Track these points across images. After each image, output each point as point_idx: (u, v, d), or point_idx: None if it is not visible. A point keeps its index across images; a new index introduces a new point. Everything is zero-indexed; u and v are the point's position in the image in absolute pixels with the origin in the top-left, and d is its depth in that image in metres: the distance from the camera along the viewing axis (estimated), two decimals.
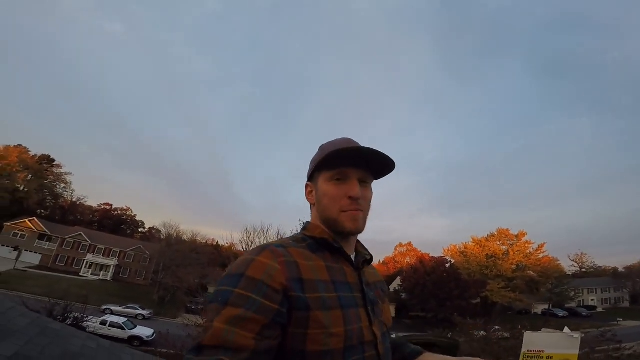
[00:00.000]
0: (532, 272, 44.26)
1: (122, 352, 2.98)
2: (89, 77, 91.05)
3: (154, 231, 57.19)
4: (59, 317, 12.35)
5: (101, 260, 42.21)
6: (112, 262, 42.20)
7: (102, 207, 64.77)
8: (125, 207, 67.30)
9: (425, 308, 37.08)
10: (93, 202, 65.59)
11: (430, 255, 46.63)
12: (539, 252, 44.60)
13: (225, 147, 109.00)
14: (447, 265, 42.10)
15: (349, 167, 0.81)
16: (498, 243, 46.01)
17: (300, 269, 0.71)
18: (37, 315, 2.95)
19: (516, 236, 45.36)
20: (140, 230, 68.40)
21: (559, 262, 50.96)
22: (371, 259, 0.92)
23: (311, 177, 0.89)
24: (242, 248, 15.57)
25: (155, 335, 18.78)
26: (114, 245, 44.44)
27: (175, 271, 34.90)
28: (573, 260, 64.39)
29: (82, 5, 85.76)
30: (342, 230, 0.81)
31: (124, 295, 33.20)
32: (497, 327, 12.48)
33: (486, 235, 47.32)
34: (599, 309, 46.78)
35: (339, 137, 0.90)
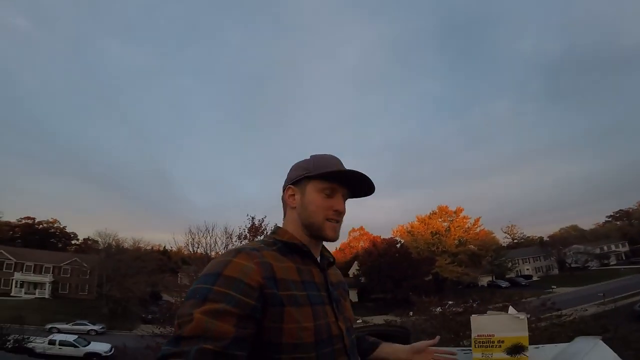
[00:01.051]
0: (472, 246, 47.25)
1: None
2: None
3: (89, 242, 52.37)
4: None
5: (32, 277, 37.99)
6: (47, 278, 38.22)
7: (23, 221, 57.31)
8: (51, 219, 60.03)
9: (383, 289, 38.15)
10: (11, 217, 57.40)
11: (381, 237, 47.90)
12: (475, 226, 47.77)
13: (165, 145, 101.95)
14: (398, 245, 43.31)
15: (340, 184, 0.92)
16: (440, 220, 48.34)
17: (274, 269, 0.78)
18: None
19: (455, 212, 48.09)
20: (73, 242, 62.00)
21: (494, 235, 54.91)
22: (334, 261, 1.02)
23: (297, 182, 0.95)
24: (190, 250, 14.77)
25: (113, 350, 17.96)
26: (45, 261, 39.88)
27: (121, 282, 32.91)
28: (505, 232, 68.97)
29: None
30: (323, 236, 0.92)
31: (68, 311, 30.58)
32: (450, 302, 13.34)
33: (429, 213, 49.41)
34: (535, 278, 50.24)
35: (327, 153, 0.98)
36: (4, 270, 37.99)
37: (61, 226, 60.95)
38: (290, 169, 0.99)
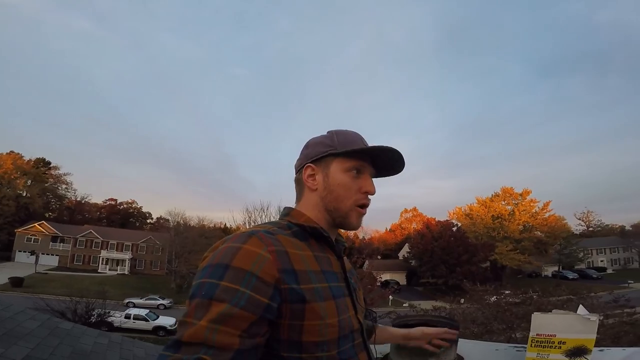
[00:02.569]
0: (539, 233, 43.68)
1: (134, 345, 3.01)
2: (71, 76, 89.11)
3: (162, 221, 57.98)
4: (83, 315, 12.71)
5: (115, 255, 43.24)
6: (127, 255, 43.26)
7: (108, 202, 65.63)
8: (130, 200, 68.22)
9: (435, 274, 37.06)
10: (97, 199, 66.44)
11: (436, 219, 46.44)
12: (544, 211, 43.85)
13: (225, 130, 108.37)
14: (454, 229, 41.44)
15: (368, 162, 0.82)
16: (503, 203, 45.07)
17: (290, 258, 0.68)
18: (48, 317, 2.97)
19: (520, 194, 44.31)
20: (148, 221, 69.41)
21: (565, 222, 49.89)
22: (347, 248, 0.91)
23: (317, 160, 0.83)
24: (247, 228, 15.66)
25: (177, 324, 19.67)
26: (125, 239, 45.39)
27: (187, 258, 35.49)
28: (579, 219, 63.12)
29: (42, 6, 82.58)
30: (346, 224, 0.81)
31: (143, 286, 33.97)
32: (507, 292, 12.52)
33: (490, 195, 46.28)
34: (609, 270, 46.27)
35: (349, 130, 0.87)
36: (92, 248, 43.81)
37: (138, 206, 69.04)
38: (306, 146, 0.87)
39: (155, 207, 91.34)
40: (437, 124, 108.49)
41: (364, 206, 0.82)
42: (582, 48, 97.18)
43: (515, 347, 1.73)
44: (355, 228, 0.83)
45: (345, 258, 0.91)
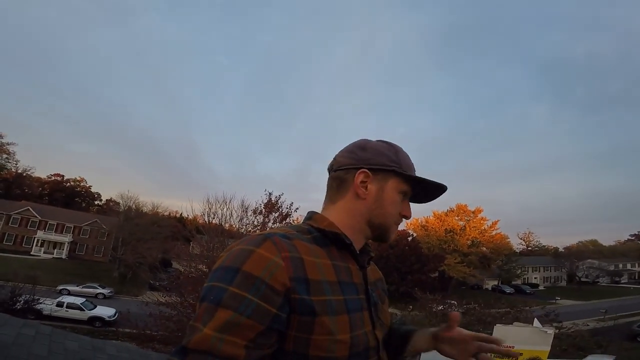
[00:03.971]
0: (485, 249, 46.49)
1: (66, 338, 2.69)
2: (32, 42, 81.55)
3: (111, 204, 54.29)
4: (6, 302, 11.45)
5: (54, 237, 39.41)
6: (67, 238, 39.67)
7: (52, 178, 60.05)
8: (78, 178, 62.86)
9: (387, 280, 37.30)
10: (42, 173, 60.27)
11: None
12: (492, 229, 46.77)
13: (196, 116, 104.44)
14: (409, 238, 42.90)
15: (413, 190, 0.83)
16: (456, 218, 47.48)
17: (305, 266, 0.65)
18: None
19: (473, 212, 47.06)
20: (96, 203, 64.53)
21: (509, 240, 53.49)
22: (373, 257, 0.88)
23: (376, 170, 0.79)
24: (205, 220, 14.88)
25: (117, 315, 18.23)
26: (67, 221, 41.62)
27: (135, 246, 33.52)
28: (521, 239, 68.89)
29: None
30: (386, 239, 0.83)
31: (82, 273, 31.65)
32: (453, 302, 13.32)
33: (446, 210, 48.58)
34: (541, 287, 50.64)
35: (397, 145, 0.85)
36: (28, 227, 39.41)
37: (87, 185, 63.75)
38: (362, 147, 0.81)
39: (106, 189, 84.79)
40: (403, 138, 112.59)
41: (398, 226, 0.84)
42: (542, 81, 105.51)
43: None
44: (390, 241, 0.87)
45: (373, 268, 0.89)
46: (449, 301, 13.14)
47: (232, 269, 0.60)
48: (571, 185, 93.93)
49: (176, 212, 50.31)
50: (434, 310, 11.37)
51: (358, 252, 0.79)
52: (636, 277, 56.47)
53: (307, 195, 70.13)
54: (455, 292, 32.62)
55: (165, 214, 47.05)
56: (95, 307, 19.20)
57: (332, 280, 0.67)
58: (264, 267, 0.59)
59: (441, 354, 0.89)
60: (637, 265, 59.23)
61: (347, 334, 0.64)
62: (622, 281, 54.17)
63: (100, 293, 25.54)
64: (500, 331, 1.23)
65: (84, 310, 18.18)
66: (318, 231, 0.74)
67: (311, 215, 0.80)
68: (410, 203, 0.86)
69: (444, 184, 0.82)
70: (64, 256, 38.45)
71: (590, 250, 65.91)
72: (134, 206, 41.08)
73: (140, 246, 33.25)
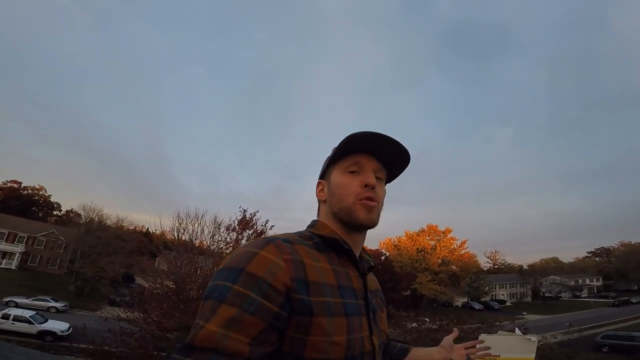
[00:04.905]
0: (454, 267, 48.03)
1: (12, 351, 2.35)
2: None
3: (72, 215, 51.30)
4: None
5: (3, 246, 36.49)
6: (18, 248, 36.93)
7: (8, 185, 56.05)
8: (37, 186, 59.10)
9: None
10: None
11: (368, 247, 48.65)
12: (461, 248, 48.44)
13: (168, 128, 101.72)
14: (383, 258, 43.88)
15: (364, 155, 0.80)
16: (427, 238, 48.98)
17: (306, 269, 0.67)
18: None
19: (443, 232, 48.72)
20: (55, 213, 60.91)
21: (477, 258, 56.39)
22: (374, 265, 0.90)
23: (323, 174, 0.87)
24: (174, 236, 14.29)
25: (71, 329, 17.19)
26: (21, 230, 38.73)
27: (95, 259, 32.01)
28: (488, 257, 72.51)
29: None
30: (355, 220, 0.78)
31: (33, 285, 29.67)
32: (426, 319, 13.37)
33: (417, 230, 50.26)
34: (508, 303, 52.74)
35: (356, 134, 0.81)
36: None
37: (46, 194, 60.08)
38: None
39: (68, 199, 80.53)
40: None
41: (368, 199, 0.77)
42: (507, 107, 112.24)
43: None
44: (367, 221, 0.78)
45: (373, 279, 0.92)
46: (421, 318, 13.16)
47: (236, 269, 0.62)
48: (533, 206, 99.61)
49: (142, 226, 48.80)
50: (408, 327, 11.30)
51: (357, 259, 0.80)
52: (595, 292, 59.88)
53: (282, 215, 69.55)
54: (427, 309, 32.97)
55: (130, 227, 45.93)
56: (47, 320, 18.05)
57: (332, 284, 0.69)
58: (266, 268, 0.62)
59: None
60: (595, 280, 63.14)
61: (344, 336, 0.65)
62: (583, 295, 57.05)
63: (52, 306, 24.19)
64: (485, 340, 1.28)
65: (33, 324, 17.09)
66: (319, 237, 0.77)
67: (314, 223, 0.83)
68: (396, 173, 0.88)
69: (378, 132, 0.77)
70: (13, 267, 35.89)
71: (552, 267, 69.40)
72: (96, 218, 39.85)
73: (101, 260, 31.90)
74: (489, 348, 1.14)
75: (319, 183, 0.89)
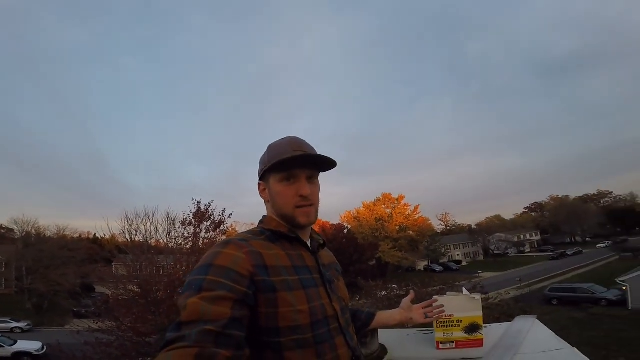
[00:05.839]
0: (411, 232, 50.05)
1: None
2: None
3: (3, 231, 46.37)
4: None
5: None
6: None
7: None
8: None
9: None
10: None
11: (330, 223, 49.06)
12: (415, 213, 50.63)
13: (101, 126, 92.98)
14: (345, 231, 44.33)
15: (297, 168, 0.89)
16: (383, 207, 50.46)
17: (264, 257, 0.80)
18: None
19: (397, 199, 50.49)
20: None
21: (430, 222, 58.60)
22: (325, 243, 1.03)
23: (262, 176, 0.96)
24: (127, 238, 13.44)
25: (45, 348, 16.65)
26: None
27: (45, 274, 29.88)
28: (440, 220, 75.80)
29: None
30: (297, 225, 0.91)
31: None
32: (394, 286, 14.24)
33: (374, 200, 51.42)
34: (464, 263, 55.09)
35: (285, 137, 0.96)
36: None
37: None
38: (259, 162, 0.98)
39: None
40: (334, 134, 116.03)
41: (304, 206, 0.90)
42: (446, 79, 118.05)
43: (422, 330, 2.08)
44: (306, 224, 0.92)
45: (328, 254, 1.06)
46: (390, 285, 14.01)
47: (205, 265, 0.74)
48: (475, 167, 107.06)
49: (89, 232, 45.65)
50: (379, 296, 12.04)
51: (308, 241, 0.95)
52: (536, 246, 64.01)
53: (241, 201, 67.68)
54: (393, 276, 34.73)
55: (75, 236, 42.92)
56: (16, 342, 17.54)
57: (287, 265, 0.84)
58: (231, 260, 0.75)
59: (409, 322, 1.26)
60: (534, 234, 67.51)
61: (306, 305, 0.80)
62: (526, 250, 60.85)
63: (16, 327, 23.29)
64: (439, 301, 1.44)
65: (3, 347, 16.63)
66: (269, 231, 0.90)
67: (263, 219, 0.97)
68: (325, 171, 0.97)
69: (302, 153, 0.88)
70: None
71: (496, 224, 73.28)
72: (33, 231, 37.23)
73: (51, 273, 29.81)
74: (442, 306, 1.31)
75: (260, 184, 0.98)
